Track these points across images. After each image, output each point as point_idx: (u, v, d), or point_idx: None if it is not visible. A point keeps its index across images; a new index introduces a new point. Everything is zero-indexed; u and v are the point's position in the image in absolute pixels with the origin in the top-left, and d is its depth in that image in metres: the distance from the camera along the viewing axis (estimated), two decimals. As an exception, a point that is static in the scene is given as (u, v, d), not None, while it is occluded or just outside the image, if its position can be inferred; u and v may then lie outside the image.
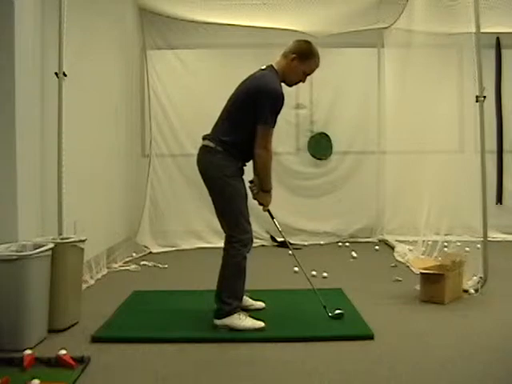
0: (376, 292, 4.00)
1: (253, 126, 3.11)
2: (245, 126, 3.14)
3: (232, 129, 3.19)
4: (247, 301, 3.46)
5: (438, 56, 5.17)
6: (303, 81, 3.33)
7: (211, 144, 3.19)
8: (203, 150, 3.25)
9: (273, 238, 6.20)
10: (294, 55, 3.21)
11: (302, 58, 3.21)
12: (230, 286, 3.17)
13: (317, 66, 3.28)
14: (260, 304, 3.54)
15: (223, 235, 3.25)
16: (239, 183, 3.22)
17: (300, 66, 3.23)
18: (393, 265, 4.99)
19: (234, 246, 3.15)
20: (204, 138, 3.27)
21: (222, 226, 3.27)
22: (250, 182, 3.34)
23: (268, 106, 3.09)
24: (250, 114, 3.12)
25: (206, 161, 3.22)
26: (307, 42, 3.31)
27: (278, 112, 3.15)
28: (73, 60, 3.74)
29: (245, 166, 3.29)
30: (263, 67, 3.29)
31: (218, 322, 3.14)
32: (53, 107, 3.61)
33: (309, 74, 3.30)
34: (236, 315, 3.13)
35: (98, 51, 4.61)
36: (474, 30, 3.84)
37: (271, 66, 3.27)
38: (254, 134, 3.13)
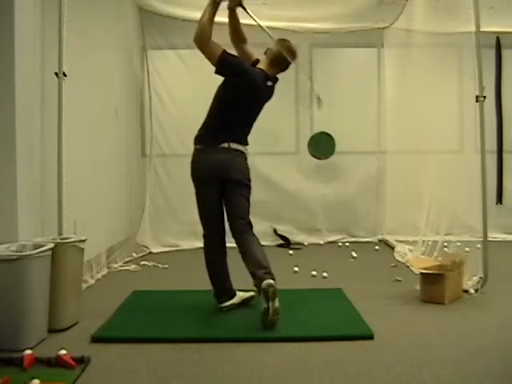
0: (376, 292, 4.00)
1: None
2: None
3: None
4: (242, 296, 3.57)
5: (437, 56, 5.17)
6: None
7: (242, 148, 3.42)
8: (234, 153, 3.39)
9: (275, 232, 6.21)
10: (267, 60, 3.62)
11: (272, 64, 3.58)
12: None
13: (291, 61, 3.56)
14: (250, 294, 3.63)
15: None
16: None
17: (274, 69, 3.58)
18: (393, 265, 4.99)
19: (252, 231, 3.38)
20: (233, 140, 3.38)
21: (237, 219, 3.38)
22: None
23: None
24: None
25: (243, 165, 3.43)
26: (277, 48, 3.67)
27: (233, 70, 3.53)
28: (73, 60, 3.73)
29: None
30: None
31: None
32: (53, 107, 3.61)
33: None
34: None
35: (99, 51, 4.61)
36: (473, 29, 3.84)
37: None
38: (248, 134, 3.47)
